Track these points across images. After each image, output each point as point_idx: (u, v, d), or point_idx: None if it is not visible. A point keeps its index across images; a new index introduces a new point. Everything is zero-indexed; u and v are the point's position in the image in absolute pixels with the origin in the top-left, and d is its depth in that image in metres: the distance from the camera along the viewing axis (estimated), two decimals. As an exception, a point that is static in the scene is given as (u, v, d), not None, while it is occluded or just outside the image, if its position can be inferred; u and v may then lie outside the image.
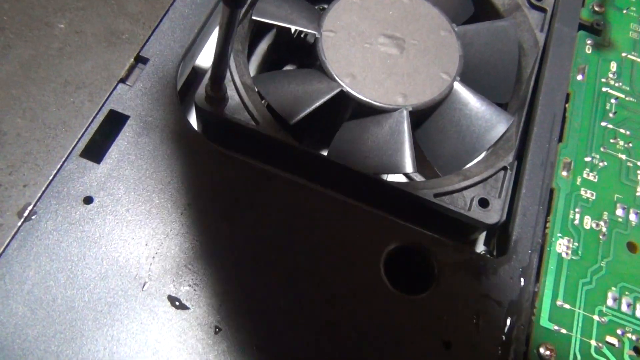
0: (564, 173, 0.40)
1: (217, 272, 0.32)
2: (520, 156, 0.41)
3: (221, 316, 0.31)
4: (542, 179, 0.39)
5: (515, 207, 0.38)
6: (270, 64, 0.50)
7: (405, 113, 0.42)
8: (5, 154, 0.34)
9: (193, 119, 0.42)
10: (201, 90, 0.40)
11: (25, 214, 0.32)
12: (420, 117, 0.43)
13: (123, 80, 0.38)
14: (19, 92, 0.36)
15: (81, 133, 0.35)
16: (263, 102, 0.43)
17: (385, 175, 0.44)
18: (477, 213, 0.39)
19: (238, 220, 0.34)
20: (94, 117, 0.36)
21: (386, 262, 0.34)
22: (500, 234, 0.38)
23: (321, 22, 0.44)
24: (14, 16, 0.39)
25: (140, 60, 0.39)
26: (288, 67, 0.49)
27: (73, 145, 0.35)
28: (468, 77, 0.45)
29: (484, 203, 0.39)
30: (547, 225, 0.37)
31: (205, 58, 0.47)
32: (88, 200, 0.33)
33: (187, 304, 0.31)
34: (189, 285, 0.32)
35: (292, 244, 0.34)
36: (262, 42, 0.50)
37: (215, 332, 0.31)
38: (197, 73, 0.45)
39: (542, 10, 0.49)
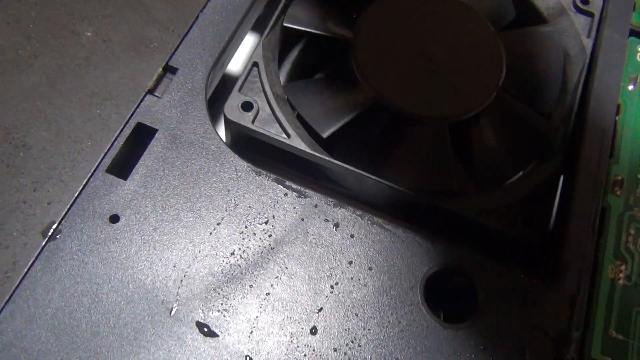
0: (616, 191, 0.37)
1: (248, 297, 0.31)
2: (568, 172, 0.39)
3: (252, 344, 0.30)
4: (592, 197, 0.36)
5: (563, 228, 0.35)
6: (301, 71, 0.48)
7: (445, 124, 0.40)
8: (30, 169, 0.33)
9: (221, 127, 0.40)
10: (231, 102, 0.38)
11: (50, 233, 0.31)
12: (460, 129, 0.41)
13: (151, 92, 0.36)
14: (44, 103, 0.35)
15: (107, 147, 0.34)
16: (294, 111, 0.41)
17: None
18: (522, 232, 0.36)
19: (269, 241, 0.32)
20: (121, 130, 0.35)
21: (427, 285, 0.32)
22: (547, 257, 0.36)
23: (356, 28, 0.42)
24: (39, 24, 0.38)
25: (168, 70, 0.37)
26: (320, 75, 0.47)
27: (99, 160, 0.33)
28: (510, 85, 0.43)
29: (529, 221, 0.37)
30: (599, 248, 0.35)
31: (235, 65, 0.45)
32: (114, 218, 0.32)
33: (217, 330, 0.30)
34: (219, 311, 0.30)
35: (325, 266, 0.32)
36: (293, 48, 0.48)
37: (246, 362, 0.29)
38: (226, 82, 0.44)
39: (590, 14, 0.46)
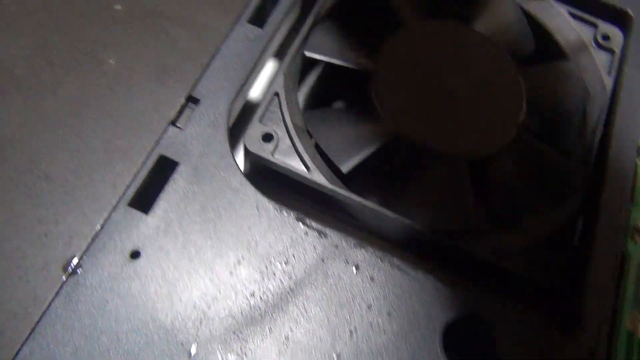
0: (636, 238, 0.37)
1: (267, 340, 0.31)
2: (587, 213, 0.39)
3: (270, 389, 0.30)
4: (612, 244, 0.36)
5: (583, 274, 0.35)
6: (319, 97, 0.48)
7: (464, 162, 0.40)
8: (53, 201, 0.33)
9: (240, 153, 0.40)
10: (251, 132, 0.38)
11: (70, 269, 0.31)
12: (479, 166, 0.41)
13: (174, 123, 0.36)
14: (66, 132, 0.35)
15: (130, 180, 0.34)
16: (312, 139, 0.41)
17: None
18: (540, 275, 0.36)
19: (289, 282, 0.32)
20: (144, 162, 0.34)
21: (446, 333, 0.32)
22: (567, 302, 0.36)
23: (377, 59, 0.42)
24: (63, 50, 0.38)
25: (191, 100, 0.37)
26: (339, 103, 0.47)
27: (122, 193, 0.33)
28: (531, 122, 0.42)
29: (547, 264, 0.37)
30: (617, 297, 0.35)
31: (255, 92, 0.45)
32: (135, 254, 0.32)
33: (235, 374, 0.30)
34: (237, 354, 0.30)
35: (344, 310, 0.32)
36: (311, 73, 0.48)
37: (264, 407, 0.29)
38: (247, 110, 0.43)
39: (610, 51, 0.46)
